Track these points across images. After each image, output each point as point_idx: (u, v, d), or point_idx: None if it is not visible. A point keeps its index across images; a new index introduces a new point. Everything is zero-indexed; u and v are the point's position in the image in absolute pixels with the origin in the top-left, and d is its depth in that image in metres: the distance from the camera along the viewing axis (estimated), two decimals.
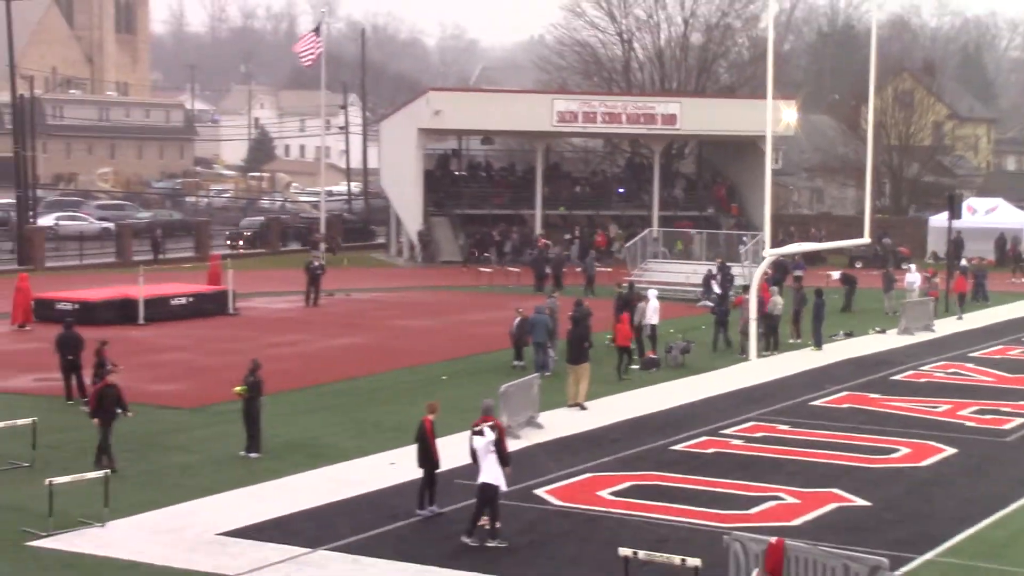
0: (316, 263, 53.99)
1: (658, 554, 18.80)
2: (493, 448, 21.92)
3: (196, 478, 25.88)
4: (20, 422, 27.72)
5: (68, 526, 22.43)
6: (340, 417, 32.10)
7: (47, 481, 22.55)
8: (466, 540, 21.72)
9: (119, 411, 26.81)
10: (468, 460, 22.83)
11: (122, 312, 46.61)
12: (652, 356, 39.61)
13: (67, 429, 30.05)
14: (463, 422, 23.77)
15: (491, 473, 21.84)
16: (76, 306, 45.59)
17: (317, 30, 77.34)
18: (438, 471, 23.58)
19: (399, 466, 26.47)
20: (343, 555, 21.24)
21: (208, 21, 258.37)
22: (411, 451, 24.60)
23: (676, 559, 18.24)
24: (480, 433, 22.05)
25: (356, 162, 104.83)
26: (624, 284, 47.50)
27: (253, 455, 27.68)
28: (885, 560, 17.91)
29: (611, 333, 39.13)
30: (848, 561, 17.72)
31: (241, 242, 73.93)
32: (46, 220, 78.47)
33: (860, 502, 24.73)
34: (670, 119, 71.70)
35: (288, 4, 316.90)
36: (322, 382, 36.40)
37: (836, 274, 56.12)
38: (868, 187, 48.89)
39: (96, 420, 26.65)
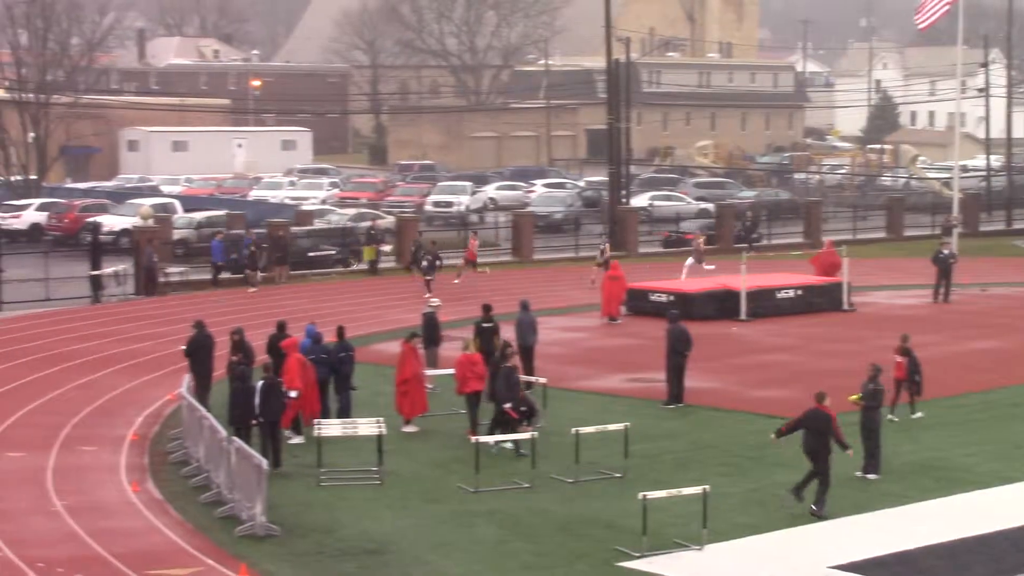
0: (945, 251, 52.93)
1: None
2: None
3: (806, 500, 26.01)
4: (611, 427, 28.96)
5: (663, 547, 23.21)
6: (976, 435, 31.34)
7: (640, 496, 23.42)
8: None
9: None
10: None
11: (722, 306, 47.57)
12: None
13: (661, 437, 31.09)
14: None
15: None
16: (672, 298, 46.91)
17: None
18: None
19: None
20: None
21: None
22: None
23: None
24: None
25: (997, 131, 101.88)
26: None
27: (871, 476, 27.53)
28: None
29: None
30: None
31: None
32: (639, 200, 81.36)
33: None
34: None
35: None
36: (954, 393, 35.63)
37: None
38: None
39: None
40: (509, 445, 29.44)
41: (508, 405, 29.41)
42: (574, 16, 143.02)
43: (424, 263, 52.73)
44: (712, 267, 55.83)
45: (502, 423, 29.79)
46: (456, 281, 53.67)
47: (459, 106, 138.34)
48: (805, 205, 77.61)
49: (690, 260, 55.46)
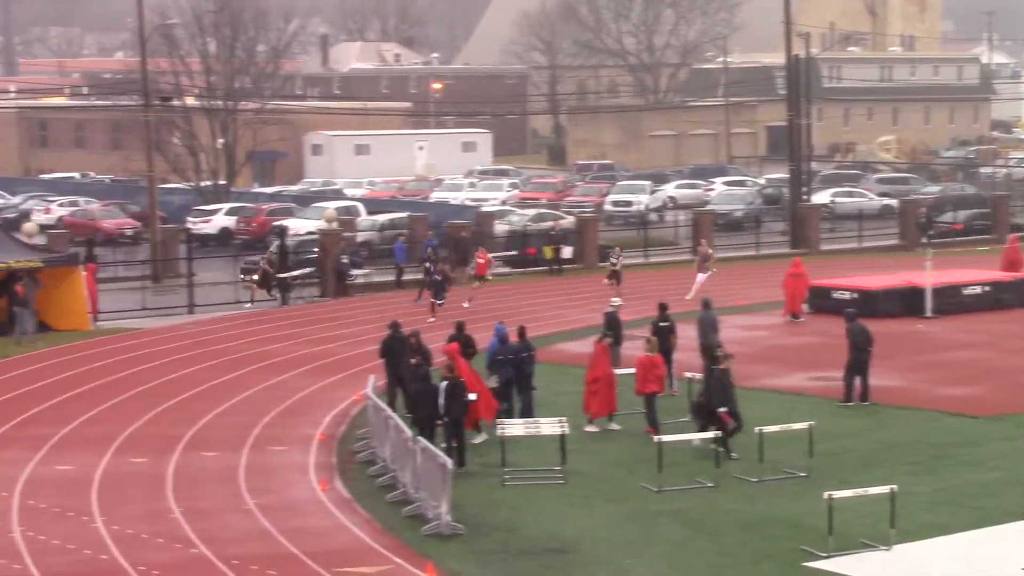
0: None
1: None
2: None
3: (997, 499, 25.56)
4: (795, 426, 28.71)
5: (849, 547, 22.97)
6: None
7: (826, 495, 23.21)
8: None
9: None
10: None
11: (906, 303, 46.85)
12: None
13: (844, 436, 30.75)
14: None
15: None
16: (855, 295, 46.38)
17: None
18: None
19: None
20: None
21: None
22: None
23: None
24: None
25: None
26: None
27: None
28: None
29: None
30: None
31: None
32: (821, 197, 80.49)
33: None
34: None
35: None
36: None
37: None
38: None
39: None
40: (700, 443, 29.20)
41: (723, 409, 29.10)
42: (753, 12, 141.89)
43: (433, 278, 47.95)
44: (713, 271, 51.96)
45: (715, 427, 29.31)
46: (466, 304, 48.50)
47: (637, 105, 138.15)
48: (992, 200, 76.11)
49: (700, 275, 51.75)
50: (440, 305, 47.17)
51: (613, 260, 51.05)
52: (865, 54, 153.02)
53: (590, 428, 31.71)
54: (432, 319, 45.40)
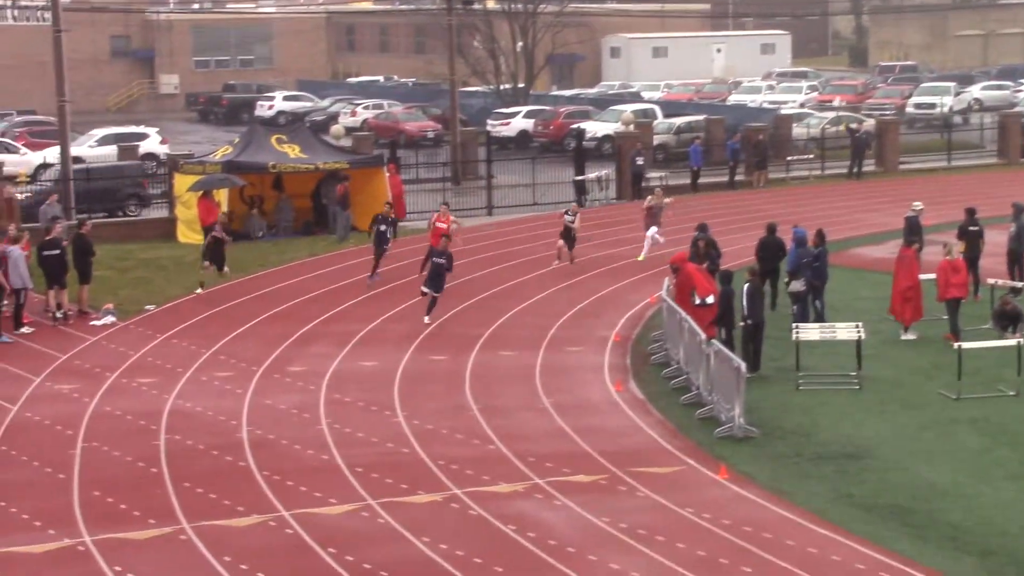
0: None
1: None
2: None
3: None
4: None
5: None
6: None
7: None
8: None
9: None
10: None
11: None
12: None
13: None
14: None
15: None
16: None
17: None
18: None
19: None
20: None
21: None
22: None
23: None
24: None
25: None
26: None
27: None
28: None
29: None
30: None
31: None
32: None
33: None
34: None
35: None
36: None
37: None
38: None
39: None
40: None
41: None
42: None
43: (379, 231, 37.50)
44: (661, 239, 40.67)
45: None
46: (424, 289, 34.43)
47: (944, 4, 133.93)
48: None
49: (653, 230, 40.95)
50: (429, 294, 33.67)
51: (569, 217, 40.58)
52: None
53: (907, 336, 31.00)
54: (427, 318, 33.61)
